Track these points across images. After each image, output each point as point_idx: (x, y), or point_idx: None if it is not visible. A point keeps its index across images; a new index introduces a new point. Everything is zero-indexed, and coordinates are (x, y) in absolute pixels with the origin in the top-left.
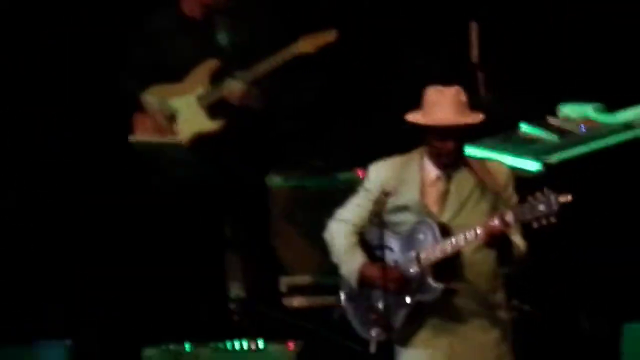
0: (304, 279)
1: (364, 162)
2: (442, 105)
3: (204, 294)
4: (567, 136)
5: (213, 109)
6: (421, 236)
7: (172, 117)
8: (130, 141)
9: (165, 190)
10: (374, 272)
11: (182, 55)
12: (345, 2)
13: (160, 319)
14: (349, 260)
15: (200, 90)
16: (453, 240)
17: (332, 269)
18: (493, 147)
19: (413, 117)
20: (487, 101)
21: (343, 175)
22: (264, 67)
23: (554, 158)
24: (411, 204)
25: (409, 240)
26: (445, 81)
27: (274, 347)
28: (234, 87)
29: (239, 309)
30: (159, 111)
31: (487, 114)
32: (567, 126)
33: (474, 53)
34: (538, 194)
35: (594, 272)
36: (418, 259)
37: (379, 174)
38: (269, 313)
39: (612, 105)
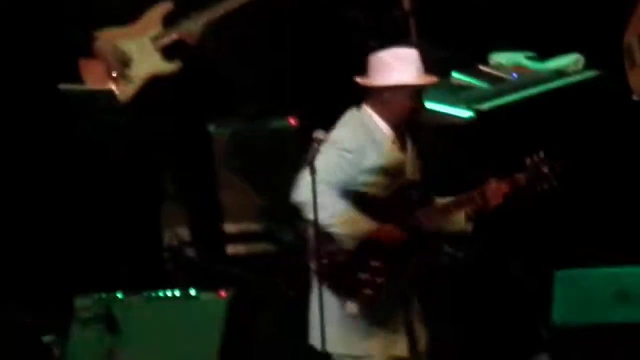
0: (240, 226)
1: (296, 110)
2: (413, 65)
3: (137, 242)
4: (499, 84)
5: (167, 50)
6: (414, 196)
7: (126, 62)
8: (62, 89)
9: (95, 138)
10: (394, 234)
11: None
12: None
13: (91, 267)
14: (356, 222)
15: (153, 32)
16: (469, 195)
17: (269, 216)
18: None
19: (384, 79)
20: (419, 48)
21: (276, 123)
22: (222, 8)
23: (486, 105)
24: (390, 164)
25: (402, 202)
26: (377, 29)
27: (206, 296)
28: (191, 28)
29: (172, 257)
30: (112, 57)
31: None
32: (499, 74)
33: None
34: (529, 159)
35: (524, 221)
36: (430, 219)
37: (348, 135)
38: (202, 261)
39: (544, 53)
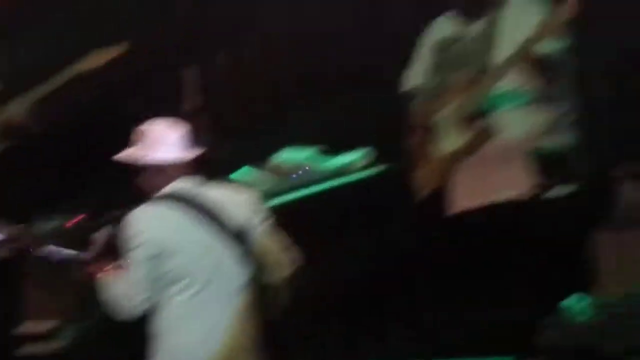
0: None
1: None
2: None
3: None
4: (282, 182)
5: None
6: None
7: None
8: None
9: None
10: None
11: None
12: None
13: None
14: None
15: None
16: None
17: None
18: None
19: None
20: (207, 145)
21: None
22: (48, 86)
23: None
24: None
25: None
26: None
27: None
28: (14, 111)
29: None
30: None
31: (207, 158)
32: (282, 171)
33: (195, 98)
34: None
35: None
36: None
37: None
38: None
39: (333, 149)
